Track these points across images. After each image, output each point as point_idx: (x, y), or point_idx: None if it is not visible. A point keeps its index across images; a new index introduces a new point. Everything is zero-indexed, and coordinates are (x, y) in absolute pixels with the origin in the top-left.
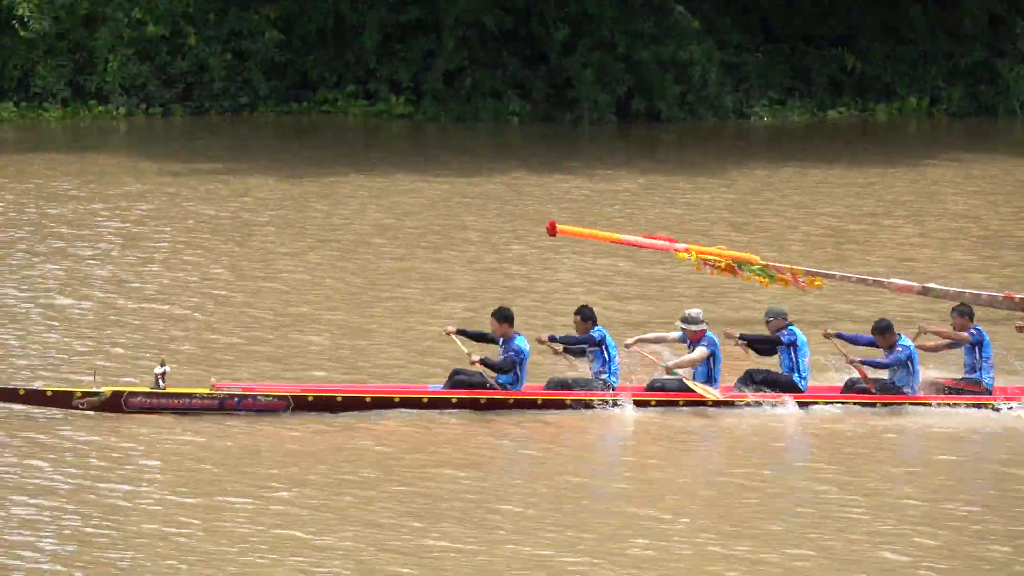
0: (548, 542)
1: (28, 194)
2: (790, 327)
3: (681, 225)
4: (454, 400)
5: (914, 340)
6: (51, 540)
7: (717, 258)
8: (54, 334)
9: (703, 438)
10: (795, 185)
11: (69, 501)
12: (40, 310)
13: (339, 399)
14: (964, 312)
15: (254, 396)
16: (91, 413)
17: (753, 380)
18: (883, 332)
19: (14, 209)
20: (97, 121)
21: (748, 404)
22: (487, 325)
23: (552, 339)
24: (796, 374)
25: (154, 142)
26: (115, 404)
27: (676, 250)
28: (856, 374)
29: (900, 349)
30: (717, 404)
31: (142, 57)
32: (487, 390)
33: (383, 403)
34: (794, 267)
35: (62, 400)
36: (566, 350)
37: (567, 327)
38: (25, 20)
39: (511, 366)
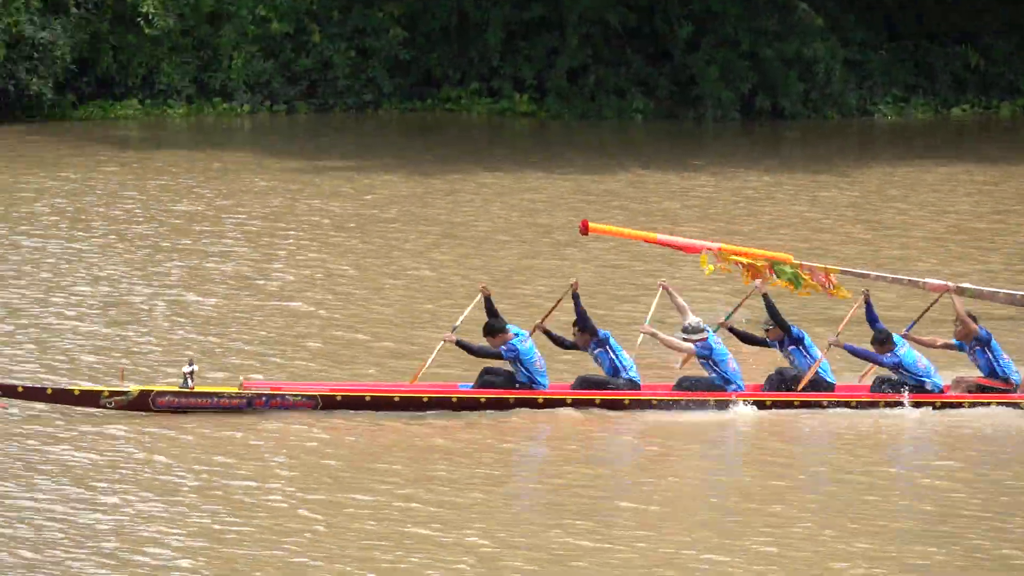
0: (671, 542)
1: (153, 191)
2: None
3: (805, 224)
4: (483, 400)
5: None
6: (179, 536)
7: (749, 259)
8: (180, 331)
9: (820, 436)
10: (919, 182)
11: (199, 498)
12: (164, 306)
13: (367, 399)
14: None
15: (282, 395)
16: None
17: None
18: (882, 343)
19: (139, 206)
20: (221, 118)
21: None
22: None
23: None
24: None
25: (278, 139)
26: (143, 403)
27: (711, 249)
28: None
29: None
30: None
31: (266, 54)
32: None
33: (412, 403)
34: (829, 267)
35: (90, 399)
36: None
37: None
38: (150, 17)
39: (490, 355)
